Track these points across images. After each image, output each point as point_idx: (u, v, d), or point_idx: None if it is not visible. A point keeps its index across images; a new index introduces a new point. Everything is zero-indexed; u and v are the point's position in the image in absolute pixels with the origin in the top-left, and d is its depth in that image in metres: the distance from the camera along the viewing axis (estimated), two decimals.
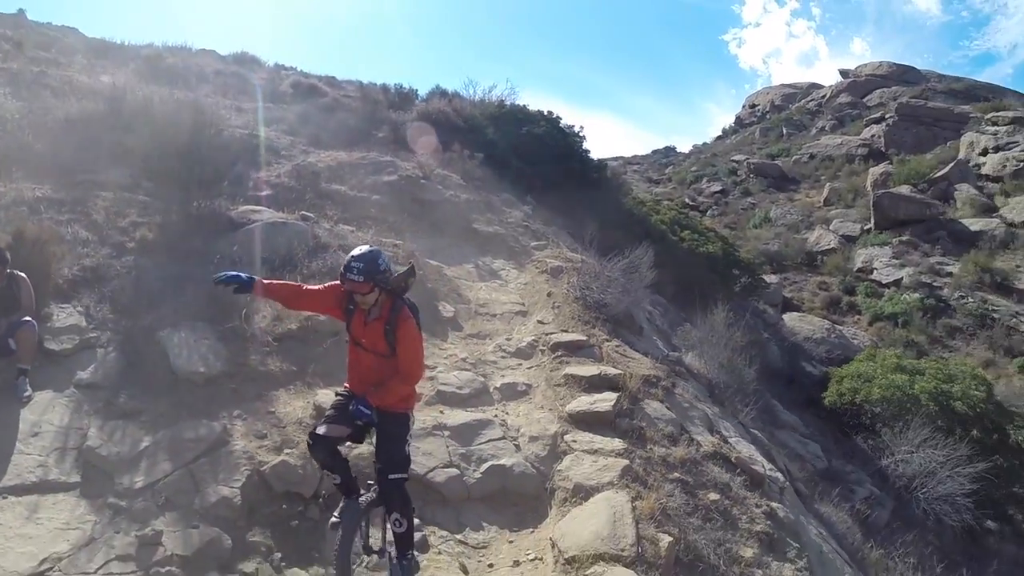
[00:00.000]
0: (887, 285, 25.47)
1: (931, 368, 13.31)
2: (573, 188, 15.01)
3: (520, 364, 7.28)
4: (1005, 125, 32.00)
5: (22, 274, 5.86)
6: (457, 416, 5.92)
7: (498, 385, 6.72)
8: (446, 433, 5.64)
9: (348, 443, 4.14)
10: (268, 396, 5.86)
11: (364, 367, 4.04)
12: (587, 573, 4.08)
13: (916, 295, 24.13)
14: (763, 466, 6.43)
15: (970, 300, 23.84)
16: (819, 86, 51.60)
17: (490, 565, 4.60)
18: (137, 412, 5.39)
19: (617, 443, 5.65)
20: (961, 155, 31.63)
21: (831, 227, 29.76)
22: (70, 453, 4.88)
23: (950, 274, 25.06)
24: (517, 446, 5.67)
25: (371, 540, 4.17)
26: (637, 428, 5.96)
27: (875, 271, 26.16)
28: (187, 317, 6.57)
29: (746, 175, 37.13)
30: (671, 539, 4.47)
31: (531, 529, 4.98)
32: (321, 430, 3.91)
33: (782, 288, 25.25)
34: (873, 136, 36.01)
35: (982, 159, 30.95)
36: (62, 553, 4.01)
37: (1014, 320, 22.94)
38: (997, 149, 30.81)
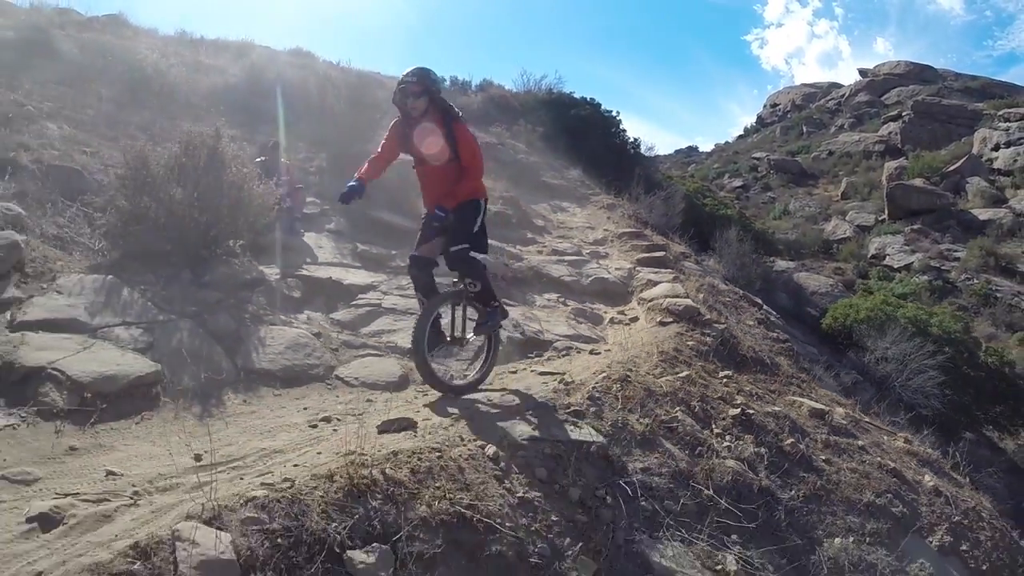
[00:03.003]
0: (898, 269, 29.71)
1: (914, 307, 17.83)
2: (613, 160, 19.61)
3: (598, 247, 11.82)
4: (1017, 121, 36.38)
5: (287, 161, 10.44)
6: (568, 257, 10.48)
7: (587, 252, 11.28)
8: (564, 262, 10.21)
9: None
10: None
11: (434, 182, 5.15)
12: (662, 302, 8.51)
13: (925, 277, 28.41)
14: (762, 302, 10.95)
15: (975, 281, 28.00)
16: (839, 86, 57.09)
17: (603, 314, 9.07)
18: (375, 242, 9.84)
19: (668, 271, 10.20)
20: (974, 150, 36.14)
21: (847, 218, 34.33)
22: (347, 255, 9.29)
23: (958, 259, 29.29)
24: (608, 271, 10.20)
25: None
26: (679, 269, 10.53)
27: (887, 257, 30.46)
28: (377, 207, 11.07)
29: (766, 171, 42.04)
30: (704, 295, 8.98)
31: (622, 307, 9.45)
32: (417, 251, 5.21)
33: (795, 273, 29.59)
34: (890, 133, 40.90)
35: (994, 154, 35.37)
36: (379, 280, 8.39)
37: (1015, 299, 27.05)
38: (1009, 144, 35.20)
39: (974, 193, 33.47)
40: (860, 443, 6.78)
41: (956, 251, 29.88)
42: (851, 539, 5.32)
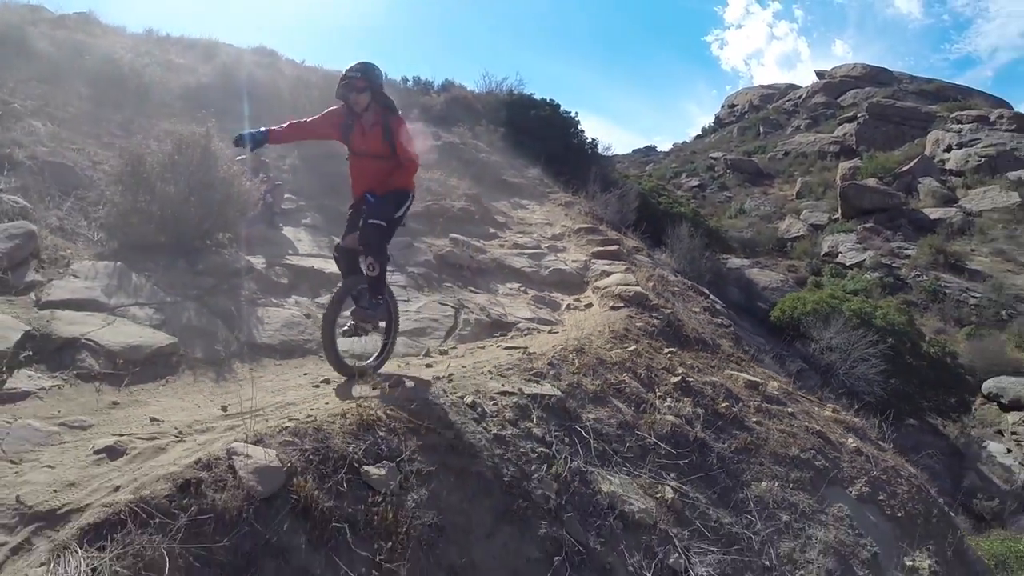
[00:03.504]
0: (850, 267, 31.39)
1: (859, 300, 19.30)
2: (572, 160, 20.80)
3: (556, 241, 12.94)
4: (969, 123, 38.55)
5: (265, 159, 11.35)
6: (528, 251, 11.57)
7: (546, 245, 12.39)
8: (525, 255, 11.30)
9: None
10: (419, 238, 11.36)
11: (367, 174, 5.36)
12: (614, 289, 9.64)
13: (876, 274, 30.09)
14: (708, 292, 12.16)
15: (925, 278, 29.71)
16: (796, 87, 59.49)
17: (560, 301, 10.17)
18: None
19: (621, 263, 11.36)
20: (927, 151, 38.19)
21: (801, 217, 36.10)
22: (324, 247, 10.24)
23: (909, 256, 31.02)
24: (565, 263, 11.31)
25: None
26: (632, 261, 11.70)
27: (840, 254, 32.18)
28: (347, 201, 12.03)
29: (723, 171, 43.83)
30: (654, 284, 10.13)
31: (578, 295, 10.56)
32: (343, 242, 5.62)
33: (747, 270, 31.01)
34: (845, 134, 42.97)
35: (947, 155, 37.44)
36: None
37: (964, 295, 28.74)
38: (960, 146, 37.32)
39: (926, 193, 35.40)
40: (790, 410, 7.97)
41: (907, 249, 31.58)
42: (776, 484, 6.50)
